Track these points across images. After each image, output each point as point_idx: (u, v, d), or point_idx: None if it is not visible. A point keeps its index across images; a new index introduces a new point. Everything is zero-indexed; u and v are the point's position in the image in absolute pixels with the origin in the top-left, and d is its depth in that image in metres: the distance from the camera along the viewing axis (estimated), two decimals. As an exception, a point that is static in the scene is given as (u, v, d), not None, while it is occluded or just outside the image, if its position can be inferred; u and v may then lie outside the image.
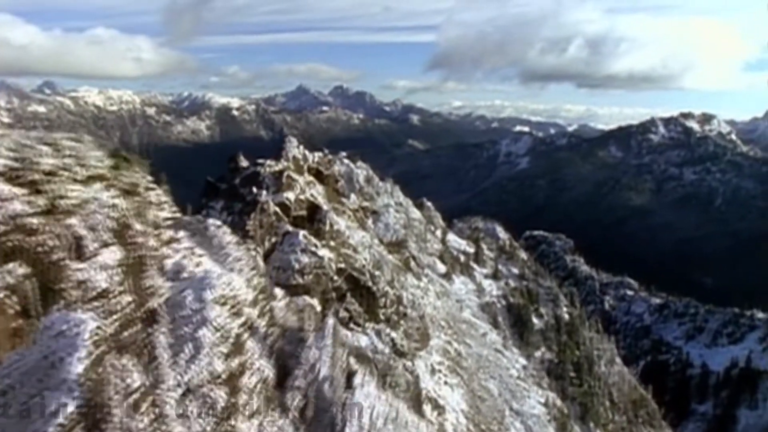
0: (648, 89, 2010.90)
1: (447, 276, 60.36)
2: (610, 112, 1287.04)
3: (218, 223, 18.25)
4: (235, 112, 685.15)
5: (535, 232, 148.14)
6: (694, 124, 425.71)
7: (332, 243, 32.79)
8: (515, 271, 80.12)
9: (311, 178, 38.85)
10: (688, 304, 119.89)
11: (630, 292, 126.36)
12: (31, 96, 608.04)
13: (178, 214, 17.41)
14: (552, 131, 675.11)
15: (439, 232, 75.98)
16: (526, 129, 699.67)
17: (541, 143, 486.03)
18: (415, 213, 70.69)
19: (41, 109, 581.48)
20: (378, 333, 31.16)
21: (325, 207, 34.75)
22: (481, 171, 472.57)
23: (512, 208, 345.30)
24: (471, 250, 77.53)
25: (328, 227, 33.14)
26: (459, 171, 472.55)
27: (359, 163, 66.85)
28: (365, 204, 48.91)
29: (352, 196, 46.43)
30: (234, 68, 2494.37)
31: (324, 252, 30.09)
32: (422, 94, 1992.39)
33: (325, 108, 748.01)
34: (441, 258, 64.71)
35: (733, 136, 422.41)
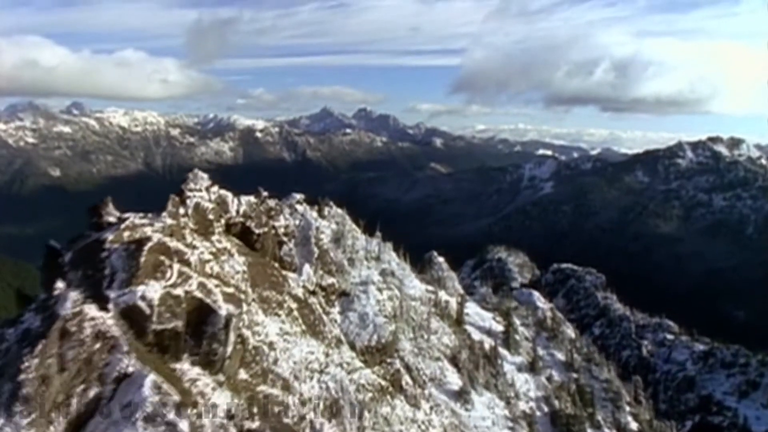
0: (674, 113, 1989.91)
1: (463, 395, 39.61)
2: (634, 136, 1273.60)
3: None
4: (259, 134, 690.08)
5: (563, 265, 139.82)
6: (722, 149, 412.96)
7: (243, 376, 17.43)
8: (560, 357, 62.12)
9: (227, 244, 23.39)
10: (737, 352, 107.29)
11: (670, 336, 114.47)
12: (57, 116, 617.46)
13: None
14: (575, 155, 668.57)
15: (453, 303, 55.32)
16: (548, 153, 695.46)
17: (565, 167, 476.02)
18: (415, 287, 47.86)
19: (66, 129, 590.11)
20: None
21: (223, 309, 16.39)
22: (503, 195, 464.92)
23: (535, 234, 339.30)
24: (499, 327, 58.80)
25: (230, 346, 16.63)
26: (481, 195, 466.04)
27: (329, 210, 43.99)
28: (329, 281, 32.53)
29: (306, 268, 30.38)
30: (260, 90, 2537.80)
31: (218, 399, 14.74)
32: (446, 117, 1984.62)
33: (348, 131, 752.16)
34: (454, 360, 43.02)
35: (764, 161, 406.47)
